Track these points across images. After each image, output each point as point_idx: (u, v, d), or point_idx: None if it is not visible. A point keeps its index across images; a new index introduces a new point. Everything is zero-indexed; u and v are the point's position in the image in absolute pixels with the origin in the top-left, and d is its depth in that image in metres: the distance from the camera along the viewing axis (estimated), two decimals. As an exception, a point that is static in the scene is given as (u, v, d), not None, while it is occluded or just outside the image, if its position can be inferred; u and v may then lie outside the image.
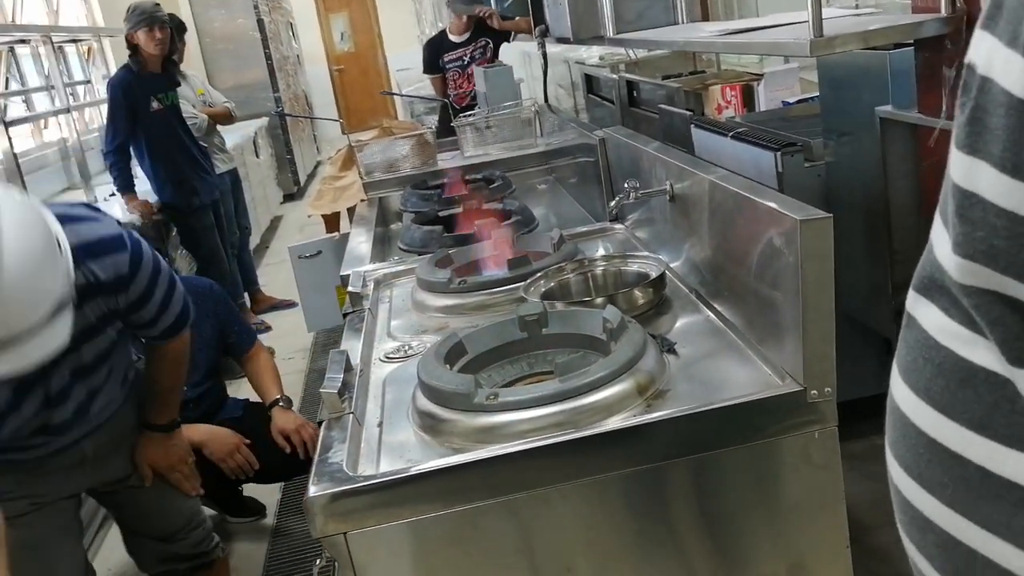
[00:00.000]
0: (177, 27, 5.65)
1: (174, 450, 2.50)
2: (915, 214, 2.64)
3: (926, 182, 2.49)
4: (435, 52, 6.62)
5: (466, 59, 6.47)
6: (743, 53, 4.86)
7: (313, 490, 1.56)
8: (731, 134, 3.23)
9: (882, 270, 2.77)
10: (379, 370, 2.12)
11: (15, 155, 5.35)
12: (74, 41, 7.98)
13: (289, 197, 11.09)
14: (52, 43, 6.84)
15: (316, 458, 1.67)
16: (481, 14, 6.44)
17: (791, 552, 1.68)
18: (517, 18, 6.36)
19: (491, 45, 6.50)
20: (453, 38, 6.55)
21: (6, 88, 6.72)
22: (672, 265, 2.34)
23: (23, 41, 6.79)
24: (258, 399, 3.28)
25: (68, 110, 6.85)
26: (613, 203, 2.56)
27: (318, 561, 1.62)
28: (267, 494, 3.85)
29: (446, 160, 4.43)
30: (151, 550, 2.59)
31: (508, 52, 6.77)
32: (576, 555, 1.64)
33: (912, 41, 2.35)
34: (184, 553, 2.58)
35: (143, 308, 2.16)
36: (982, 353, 0.81)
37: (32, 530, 2.29)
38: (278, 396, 3.13)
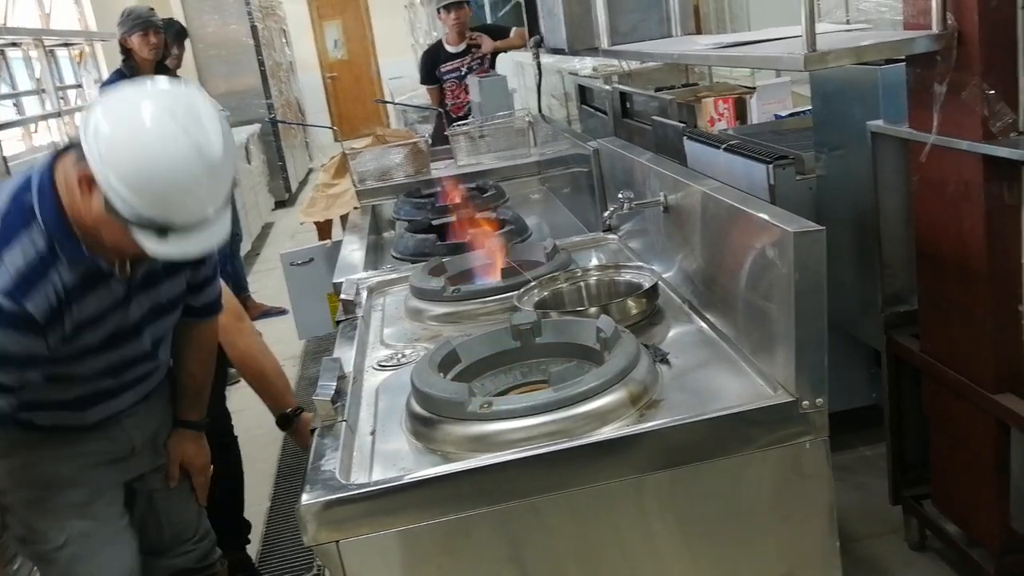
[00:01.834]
0: (178, 33, 5.64)
1: (204, 450, 2.48)
2: (905, 228, 2.66)
3: (916, 197, 2.51)
4: (432, 63, 6.62)
5: (463, 70, 6.48)
6: (737, 66, 4.89)
7: (306, 498, 1.56)
8: (724, 146, 3.25)
9: (872, 283, 2.79)
10: (372, 378, 2.13)
11: (4, 159, 5.32)
12: (66, 45, 7.97)
13: (280, 204, 11.09)
14: (44, 47, 6.83)
15: (309, 466, 1.67)
16: (472, 40, 6.45)
17: (782, 562, 1.68)
18: (512, 32, 6.39)
19: (488, 56, 6.51)
20: (450, 48, 6.55)
21: (-3, 91, 6.72)
22: (665, 276, 2.35)
23: (14, 44, 6.79)
24: None
25: (59, 114, 6.84)
26: (607, 213, 2.57)
27: (313, 570, 1.62)
28: (256, 502, 3.83)
29: (440, 169, 4.44)
30: (159, 568, 2.50)
31: (502, 62, 6.78)
32: (569, 564, 1.64)
33: (904, 57, 2.37)
34: (191, 567, 2.52)
35: (205, 263, 2.25)
36: None
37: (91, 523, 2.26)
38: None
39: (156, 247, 1.77)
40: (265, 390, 2.75)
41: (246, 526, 3.32)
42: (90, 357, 2.04)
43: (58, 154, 1.89)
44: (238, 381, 5.52)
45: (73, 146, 1.82)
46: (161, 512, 2.44)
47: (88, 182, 1.76)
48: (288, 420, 2.67)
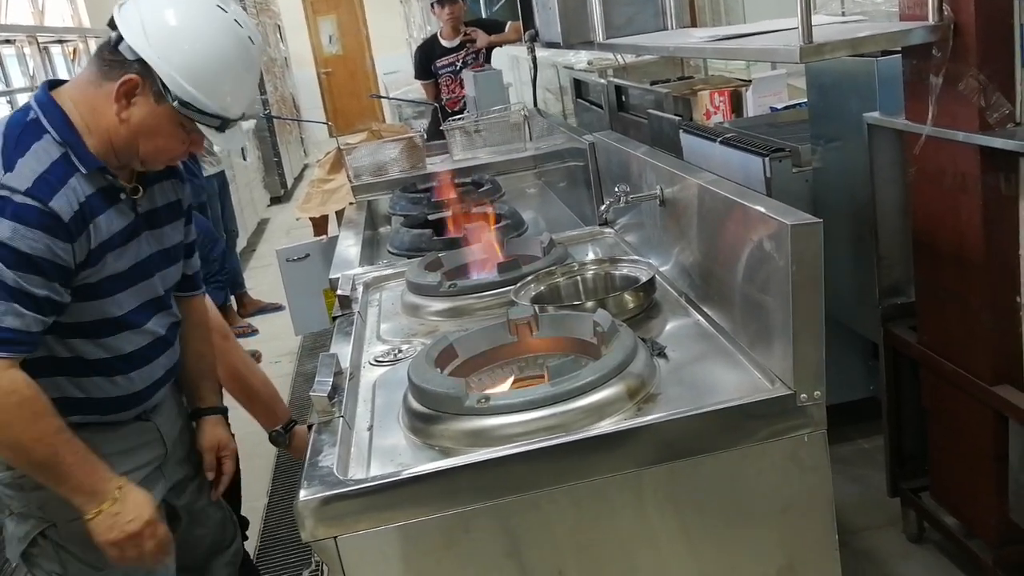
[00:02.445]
0: None
1: (231, 435, 2.41)
2: (902, 220, 2.66)
3: (913, 188, 2.51)
4: (427, 57, 6.62)
5: (459, 64, 6.48)
6: (733, 59, 4.88)
7: (303, 494, 1.56)
8: (720, 139, 3.24)
9: (869, 275, 2.79)
10: (369, 373, 2.12)
11: None
12: (60, 42, 7.95)
13: (276, 200, 11.09)
14: (38, 43, 6.82)
15: (306, 462, 1.67)
16: (467, 35, 6.45)
17: (781, 554, 1.68)
18: (507, 27, 6.38)
19: (483, 50, 6.50)
20: (445, 43, 6.55)
21: (-9, 88, 6.70)
22: (662, 269, 2.34)
23: (8, 41, 6.76)
24: None
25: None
26: (604, 207, 2.57)
27: (311, 566, 1.62)
28: (253, 498, 3.83)
29: (435, 164, 4.44)
30: None
31: (497, 56, 6.78)
32: (567, 558, 1.64)
33: (900, 48, 2.36)
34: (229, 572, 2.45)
35: (194, 221, 2.25)
36: None
37: None
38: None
39: (217, 138, 1.91)
40: (255, 408, 2.65)
41: (244, 522, 3.31)
42: (118, 290, 1.96)
43: (50, 86, 1.90)
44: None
45: (59, 83, 1.90)
46: (197, 525, 2.34)
47: (128, 92, 1.82)
48: (280, 436, 2.56)
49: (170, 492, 2.19)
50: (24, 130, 1.82)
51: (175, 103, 1.83)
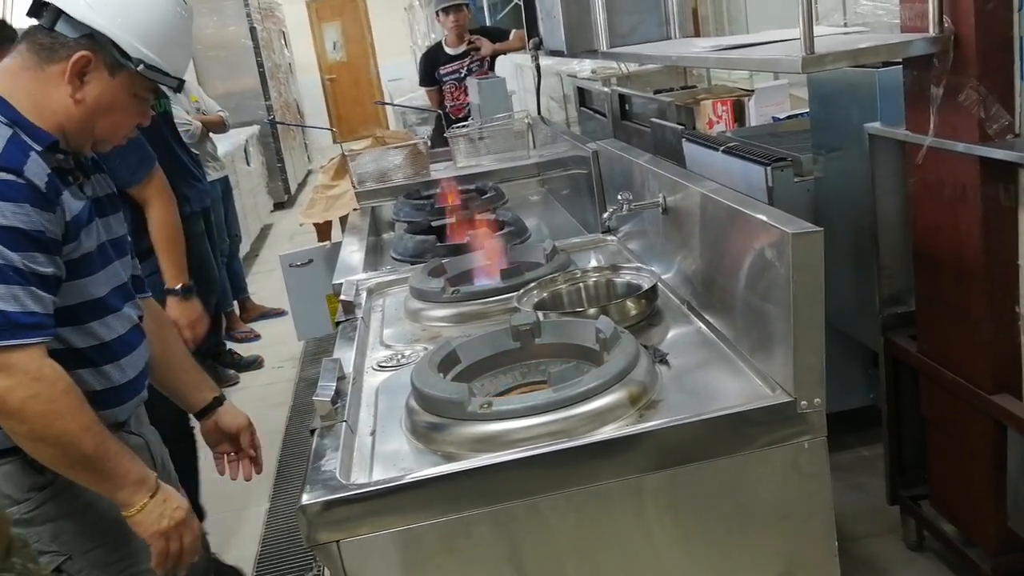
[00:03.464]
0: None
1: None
2: (902, 230, 2.67)
3: (914, 199, 2.52)
4: (431, 65, 6.64)
5: (463, 72, 6.50)
6: (736, 69, 4.90)
7: (306, 498, 1.56)
8: (722, 148, 3.26)
9: (869, 284, 2.80)
10: (372, 379, 2.13)
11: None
12: None
13: (279, 205, 11.10)
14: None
15: (309, 466, 1.68)
16: (471, 42, 6.47)
17: (781, 561, 1.69)
18: (511, 35, 6.40)
19: (487, 58, 6.53)
20: (449, 51, 6.57)
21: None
22: (664, 277, 2.36)
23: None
24: None
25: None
26: (607, 214, 2.58)
27: (312, 570, 1.62)
28: (254, 503, 3.84)
29: (439, 170, 4.45)
30: None
31: (501, 64, 6.80)
32: (568, 564, 1.65)
33: (901, 60, 2.38)
34: None
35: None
36: None
37: None
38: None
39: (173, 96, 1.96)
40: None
41: (201, 513, 3.28)
42: (95, 270, 1.90)
43: None
44: (236, 381, 5.58)
45: None
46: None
47: (81, 70, 1.79)
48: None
49: None
50: None
51: (139, 67, 1.82)
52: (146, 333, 2.09)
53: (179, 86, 1.94)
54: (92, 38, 1.79)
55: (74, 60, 1.78)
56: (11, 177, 1.69)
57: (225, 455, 2.33)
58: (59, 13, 1.79)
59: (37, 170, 1.73)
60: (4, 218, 1.66)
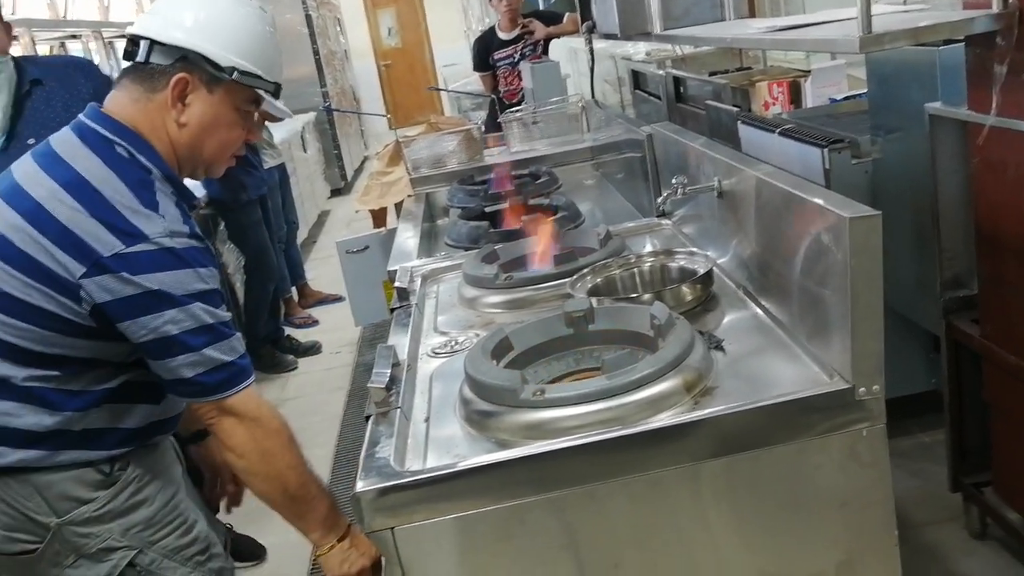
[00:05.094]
0: None
1: None
2: (964, 211, 2.62)
3: (976, 179, 2.47)
4: (484, 50, 6.64)
5: (516, 56, 6.48)
6: (792, 49, 4.83)
7: (361, 485, 1.57)
8: (778, 131, 3.22)
9: (930, 267, 2.75)
10: (426, 365, 2.14)
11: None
12: (124, 36, 8.09)
13: (336, 192, 11.17)
14: (103, 38, 6.94)
15: (363, 453, 1.69)
16: (524, 26, 6.45)
17: (840, 549, 1.67)
18: (565, 18, 6.37)
19: (541, 42, 6.50)
20: (502, 35, 6.55)
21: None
22: (719, 261, 2.33)
23: (74, 36, 6.90)
24: None
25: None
26: (661, 199, 2.55)
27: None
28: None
29: (493, 156, 4.44)
30: None
31: (554, 48, 6.77)
32: (623, 552, 1.64)
33: (963, 37, 2.33)
34: None
35: None
36: None
37: None
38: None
39: (279, 107, 1.99)
40: None
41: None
42: None
43: (95, 114, 1.86)
44: (295, 367, 5.63)
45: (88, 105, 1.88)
46: None
47: (182, 92, 1.83)
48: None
49: None
50: (128, 166, 1.80)
51: (234, 75, 1.85)
52: None
53: (276, 90, 1.96)
54: (186, 59, 1.83)
55: (173, 83, 1.82)
56: (198, 244, 1.80)
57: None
58: (151, 44, 1.83)
59: (196, 226, 1.84)
60: (206, 282, 1.77)
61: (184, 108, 1.85)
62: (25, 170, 1.83)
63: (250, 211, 5.47)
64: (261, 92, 1.92)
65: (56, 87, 3.00)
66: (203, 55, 1.83)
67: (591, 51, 4.52)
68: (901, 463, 3.15)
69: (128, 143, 1.81)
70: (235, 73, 1.85)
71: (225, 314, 1.80)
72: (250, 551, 3.49)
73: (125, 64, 1.90)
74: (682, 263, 2.35)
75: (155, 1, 1.92)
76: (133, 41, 1.86)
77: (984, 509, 2.81)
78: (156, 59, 1.83)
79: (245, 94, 1.91)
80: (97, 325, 1.75)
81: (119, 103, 1.87)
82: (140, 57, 1.84)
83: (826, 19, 2.53)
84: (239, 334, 1.83)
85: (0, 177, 1.87)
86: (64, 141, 1.84)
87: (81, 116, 1.87)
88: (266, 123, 6.14)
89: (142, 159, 1.81)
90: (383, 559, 1.65)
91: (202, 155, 1.91)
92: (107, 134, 1.81)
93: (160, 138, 1.85)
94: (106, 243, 1.70)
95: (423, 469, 1.63)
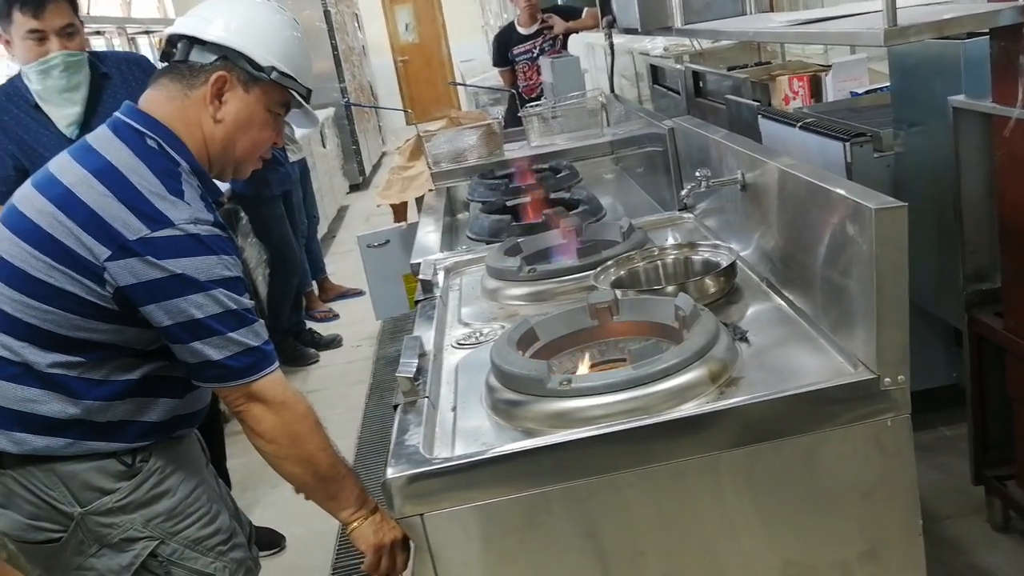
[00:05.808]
0: None
1: None
2: (987, 205, 2.62)
3: (1000, 172, 2.47)
4: (504, 45, 6.65)
5: (535, 51, 6.50)
6: (816, 43, 4.83)
7: (391, 472, 1.60)
8: (799, 124, 3.22)
9: (953, 261, 2.75)
10: (451, 356, 2.16)
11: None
12: (147, 33, 8.13)
13: (355, 187, 11.19)
14: (126, 34, 6.98)
15: (393, 441, 1.71)
16: (543, 21, 6.46)
17: (863, 540, 1.68)
18: (584, 13, 6.37)
19: (560, 37, 6.51)
20: (522, 30, 6.57)
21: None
22: (743, 254, 2.34)
23: (98, 33, 6.95)
24: None
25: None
26: (685, 192, 2.56)
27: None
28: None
29: (513, 150, 4.45)
30: None
31: (573, 43, 6.78)
32: (648, 540, 1.66)
33: (988, 30, 2.33)
34: None
35: None
36: None
37: None
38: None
39: (306, 115, 2.03)
40: None
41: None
42: None
43: (130, 110, 1.90)
44: (316, 360, 5.66)
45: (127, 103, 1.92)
46: None
47: (220, 90, 1.87)
48: None
49: None
50: (161, 163, 1.83)
51: (272, 75, 1.89)
52: None
53: (308, 95, 2.01)
54: (225, 58, 1.87)
55: (212, 80, 1.87)
56: (220, 232, 1.82)
57: None
58: (191, 42, 1.88)
59: (220, 218, 1.87)
60: (229, 270, 1.79)
61: (220, 105, 1.89)
62: (60, 162, 1.87)
63: (273, 206, 5.50)
64: (294, 94, 1.96)
65: (119, 82, 3.08)
66: (243, 54, 1.87)
67: (611, 46, 4.52)
68: (923, 457, 3.15)
69: (160, 136, 1.84)
70: (274, 73, 1.90)
71: (248, 301, 1.82)
72: (269, 540, 3.52)
73: (161, 65, 1.94)
74: (705, 255, 2.36)
75: (195, 6, 1.97)
76: (171, 43, 1.91)
77: (1007, 502, 2.81)
78: (195, 57, 1.88)
79: (278, 96, 1.95)
80: (119, 309, 1.77)
81: (155, 100, 1.90)
82: (179, 56, 1.89)
83: (848, 12, 2.53)
84: (262, 321, 1.85)
85: (38, 172, 1.91)
86: (98, 135, 1.88)
87: (117, 113, 1.91)
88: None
89: (172, 152, 1.84)
90: (412, 543, 1.67)
91: (234, 152, 1.94)
92: (139, 127, 1.85)
93: (193, 135, 1.88)
94: (132, 227, 1.73)
95: (452, 456, 1.65)
